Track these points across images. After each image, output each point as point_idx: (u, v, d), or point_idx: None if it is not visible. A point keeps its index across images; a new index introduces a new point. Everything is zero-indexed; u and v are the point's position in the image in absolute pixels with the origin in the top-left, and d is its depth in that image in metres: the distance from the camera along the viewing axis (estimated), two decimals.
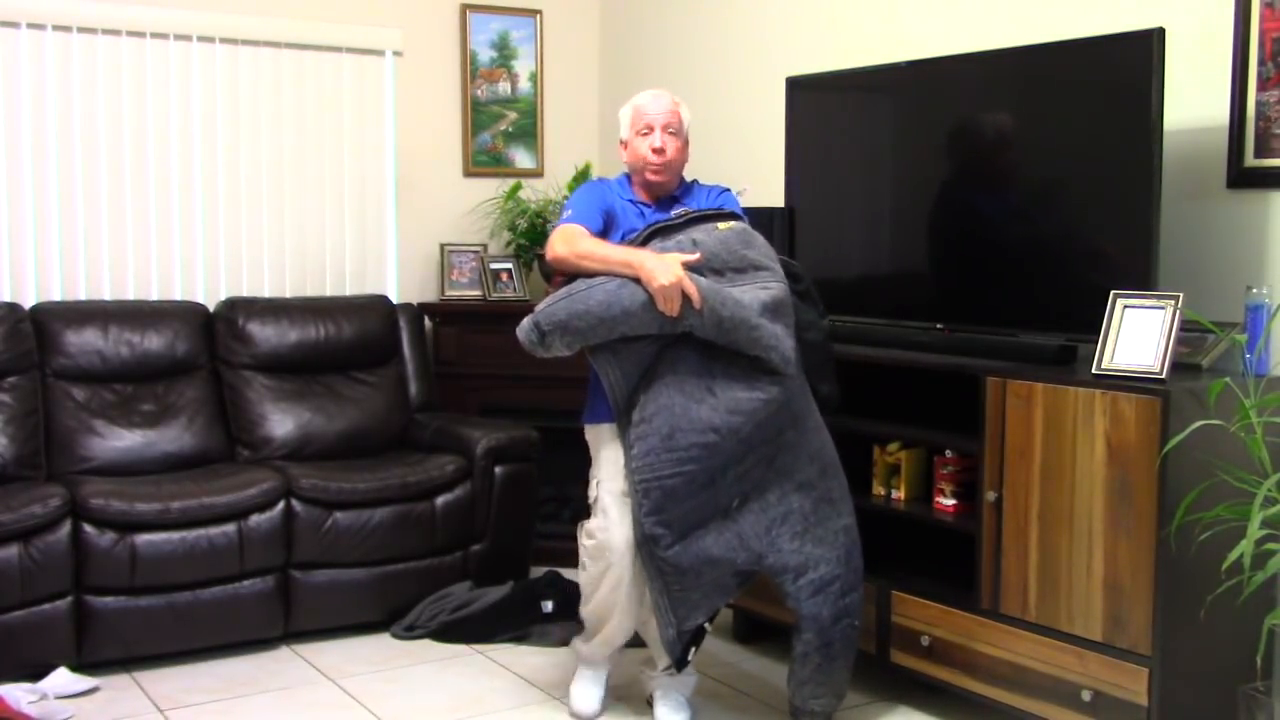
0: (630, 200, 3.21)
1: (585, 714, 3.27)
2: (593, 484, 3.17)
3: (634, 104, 3.23)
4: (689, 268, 2.89)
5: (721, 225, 3.06)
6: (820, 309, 3.18)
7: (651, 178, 3.17)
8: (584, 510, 3.23)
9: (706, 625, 3.13)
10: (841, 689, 3.13)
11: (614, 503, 3.06)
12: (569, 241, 3.00)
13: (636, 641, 3.27)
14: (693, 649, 3.13)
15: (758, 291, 2.94)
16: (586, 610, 3.25)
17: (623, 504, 3.04)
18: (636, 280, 2.88)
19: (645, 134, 3.16)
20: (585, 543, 3.16)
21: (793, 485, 3.00)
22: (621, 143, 3.25)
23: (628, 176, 3.27)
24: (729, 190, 3.29)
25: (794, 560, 2.99)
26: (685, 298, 2.85)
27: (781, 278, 3.03)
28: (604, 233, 3.11)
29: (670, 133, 3.16)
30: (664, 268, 2.85)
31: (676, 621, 3.01)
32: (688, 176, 3.30)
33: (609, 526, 3.06)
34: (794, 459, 3.00)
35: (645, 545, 2.94)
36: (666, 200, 3.22)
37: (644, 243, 3.03)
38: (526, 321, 2.93)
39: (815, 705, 3.10)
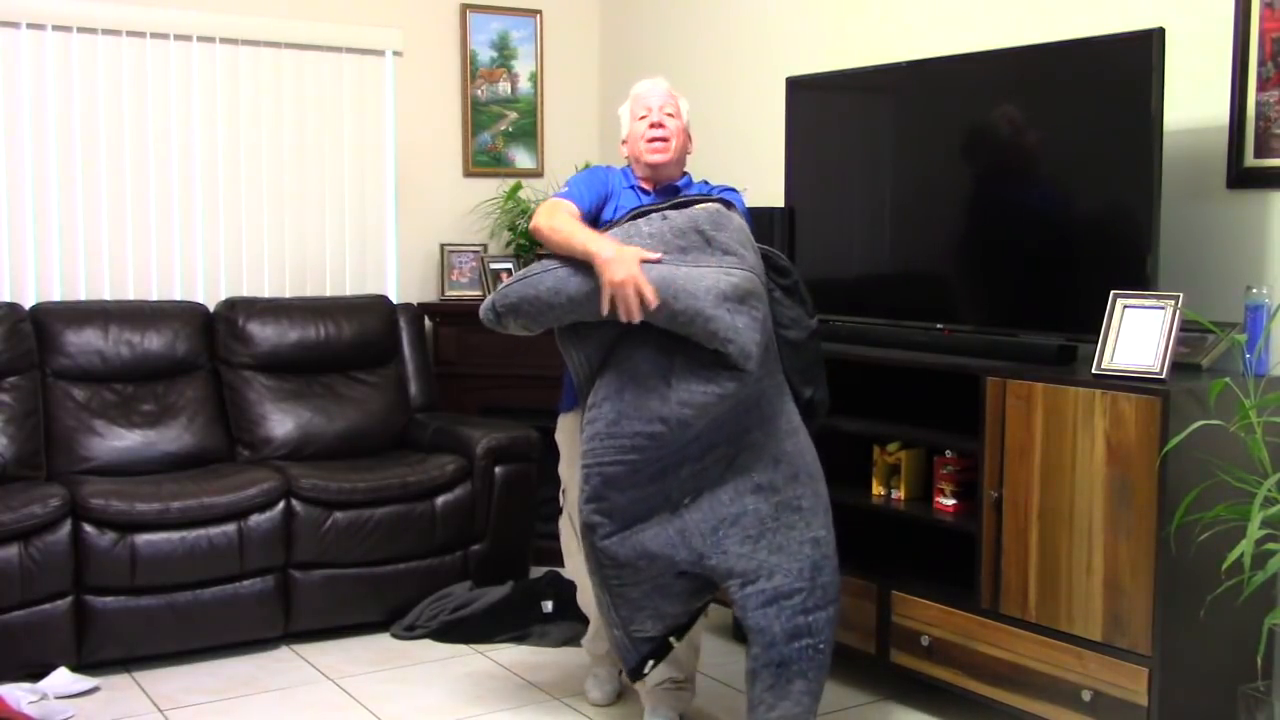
0: (632, 186, 3.14)
1: (598, 701, 3.38)
2: (564, 484, 3.26)
3: (632, 93, 3.18)
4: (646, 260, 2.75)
5: (700, 207, 2.90)
6: (808, 306, 2.97)
7: (652, 157, 3.07)
8: None
9: (673, 640, 2.94)
10: (802, 717, 2.78)
11: (575, 511, 3.12)
12: (549, 213, 2.91)
13: None
14: (650, 662, 2.93)
15: (719, 276, 2.73)
16: (580, 601, 3.39)
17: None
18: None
19: (643, 117, 3.10)
20: (562, 541, 3.32)
21: (749, 486, 2.82)
22: (623, 141, 3.19)
23: (630, 169, 3.19)
24: (736, 190, 3.16)
25: (741, 565, 2.79)
26: (641, 297, 2.69)
27: (751, 265, 2.82)
28: (595, 215, 3.05)
29: (668, 113, 3.09)
30: (620, 262, 2.68)
31: (620, 622, 2.87)
32: (697, 177, 3.23)
33: (575, 532, 3.15)
34: (756, 459, 2.82)
35: (585, 534, 2.85)
36: (668, 190, 3.13)
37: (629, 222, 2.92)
38: (487, 300, 2.89)
39: None
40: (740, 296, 2.73)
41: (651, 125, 3.07)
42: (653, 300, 2.67)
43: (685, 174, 3.19)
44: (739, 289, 2.74)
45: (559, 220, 2.87)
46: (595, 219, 3.04)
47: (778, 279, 2.93)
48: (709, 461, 2.83)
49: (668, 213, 2.87)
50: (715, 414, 2.77)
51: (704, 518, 2.82)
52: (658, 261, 2.74)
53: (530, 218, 3.07)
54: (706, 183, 3.22)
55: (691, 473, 2.82)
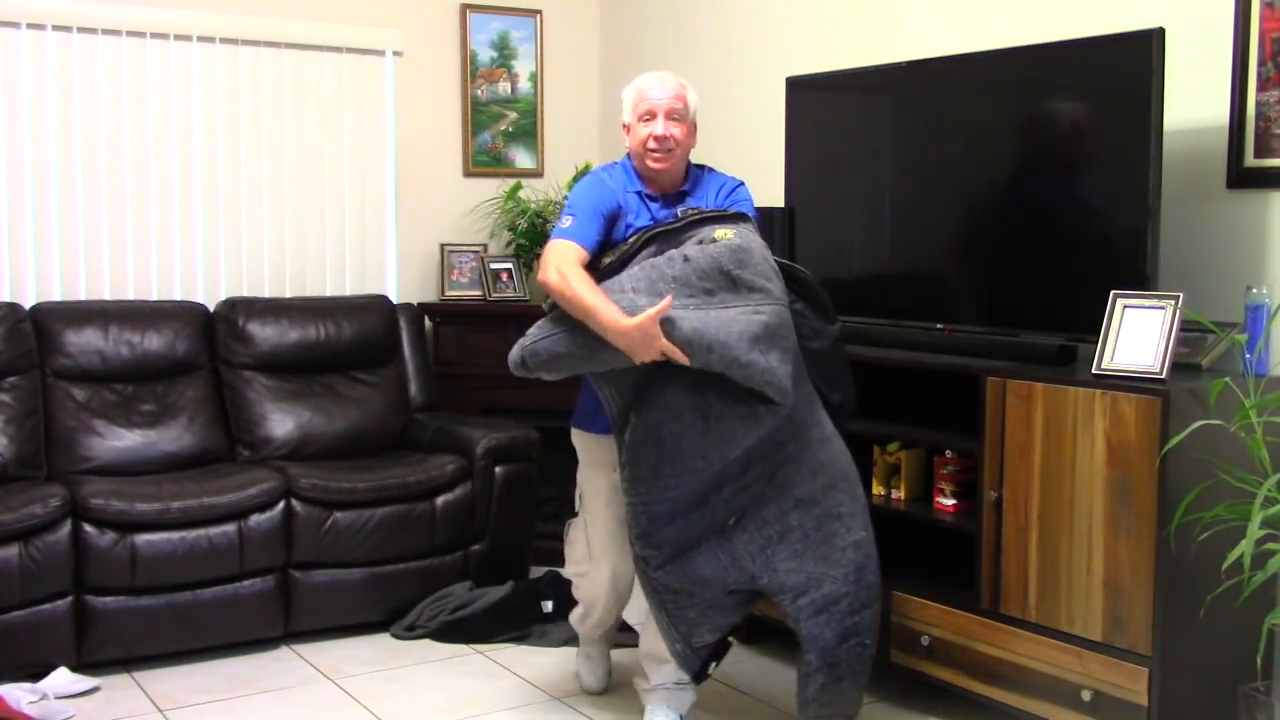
0: (636, 192, 3.05)
1: (590, 689, 3.42)
2: (576, 493, 3.26)
3: (637, 86, 3.05)
4: (674, 298, 2.73)
5: (719, 234, 2.85)
6: (829, 313, 2.96)
7: (653, 165, 3.00)
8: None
9: (730, 639, 3.04)
10: (849, 709, 2.94)
11: (593, 518, 3.18)
12: (562, 272, 2.81)
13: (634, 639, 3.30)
14: (714, 664, 3.04)
15: (750, 318, 2.75)
16: (576, 593, 3.41)
17: (601, 520, 3.12)
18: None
19: (647, 120, 2.99)
20: (567, 546, 3.36)
21: (791, 502, 2.86)
22: (624, 126, 3.09)
23: (631, 164, 3.09)
24: (743, 185, 3.13)
25: (791, 580, 2.86)
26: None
27: (777, 297, 2.82)
28: (605, 237, 2.97)
29: (674, 119, 2.98)
30: (642, 344, 2.70)
31: (681, 637, 2.93)
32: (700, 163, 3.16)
33: (589, 538, 3.21)
34: (795, 473, 2.86)
35: (638, 564, 2.90)
36: (674, 195, 3.06)
37: (643, 246, 2.90)
38: (515, 352, 2.85)
39: None
40: (770, 335, 2.76)
41: (655, 139, 2.98)
42: (683, 359, 2.71)
43: (689, 169, 3.11)
44: (768, 327, 2.76)
45: (573, 286, 2.78)
46: (605, 237, 2.97)
47: (796, 289, 2.92)
48: (749, 479, 2.86)
49: (689, 253, 2.82)
50: (752, 443, 2.81)
51: (751, 538, 2.87)
52: (667, 307, 2.71)
53: (540, 264, 2.94)
54: (711, 170, 3.15)
55: (733, 491, 2.86)
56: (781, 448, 2.85)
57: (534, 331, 2.86)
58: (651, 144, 2.98)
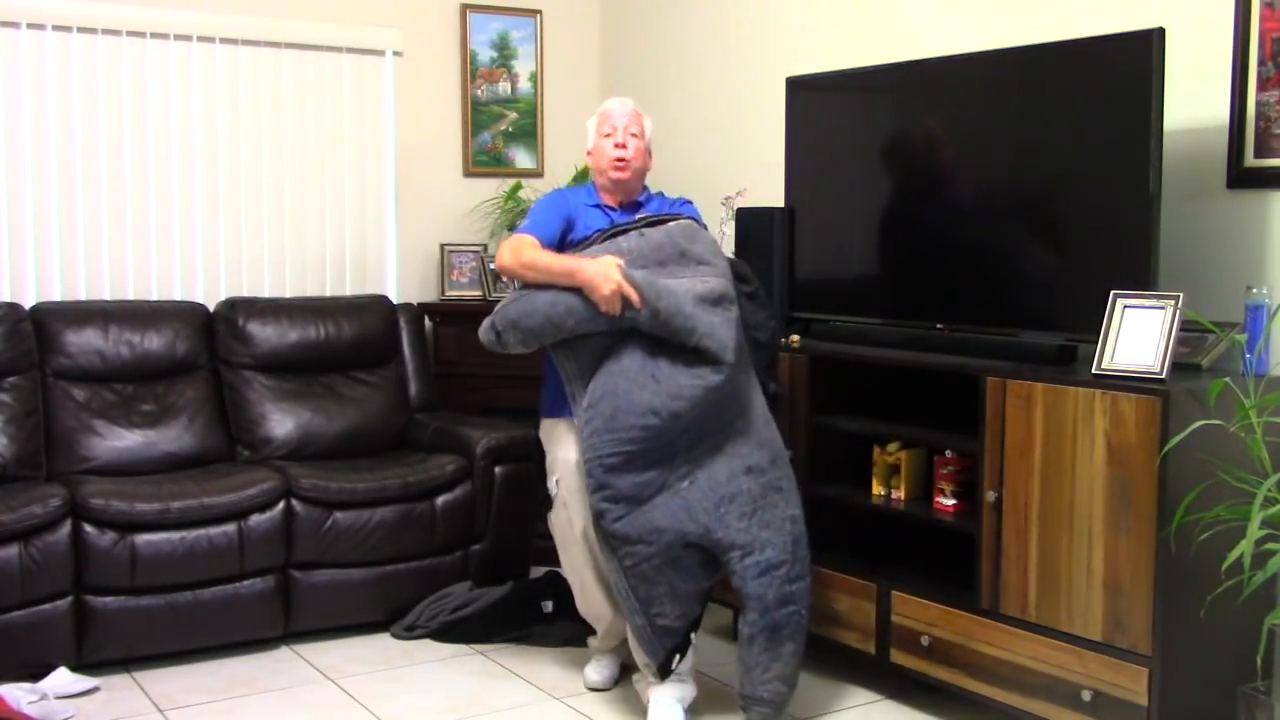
0: (595, 205, 3.37)
1: (596, 685, 3.47)
2: (550, 480, 3.34)
3: (600, 110, 3.43)
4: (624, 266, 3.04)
5: (675, 223, 3.23)
6: (770, 310, 3.32)
7: (614, 174, 3.33)
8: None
9: (692, 636, 3.16)
10: (791, 677, 3.11)
11: (571, 496, 3.24)
12: (515, 251, 3.14)
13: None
14: (677, 657, 3.14)
15: (694, 284, 3.07)
16: (580, 605, 3.44)
17: (579, 496, 3.17)
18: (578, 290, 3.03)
19: (608, 134, 3.35)
20: (554, 536, 3.41)
21: (743, 467, 3.08)
22: (588, 152, 3.43)
23: (593, 186, 3.43)
24: (691, 203, 3.45)
25: (742, 538, 3.05)
26: (625, 299, 2.99)
27: (723, 273, 3.15)
28: (562, 238, 3.25)
29: (632, 133, 3.34)
30: (603, 276, 2.99)
31: (640, 606, 3.06)
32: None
33: (570, 518, 3.27)
34: (743, 444, 3.10)
35: (596, 523, 3.06)
36: (631, 205, 3.36)
37: (602, 244, 3.17)
38: (486, 322, 3.11)
39: (764, 691, 3.07)
40: (715, 299, 3.08)
41: (616, 145, 3.33)
42: (637, 299, 2.99)
43: (645, 189, 3.43)
44: (714, 292, 3.08)
45: (528, 256, 3.12)
46: (561, 243, 3.24)
47: (742, 286, 3.22)
48: (699, 452, 3.08)
49: (644, 230, 3.18)
50: (701, 406, 3.03)
51: (705, 495, 3.06)
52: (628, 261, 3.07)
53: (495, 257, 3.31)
54: (662, 194, 3.46)
55: (685, 461, 3.08)
56: (731, 424, 3.10)
57: (502, 302, 3.14)
58: (613, 150, 3.33)
